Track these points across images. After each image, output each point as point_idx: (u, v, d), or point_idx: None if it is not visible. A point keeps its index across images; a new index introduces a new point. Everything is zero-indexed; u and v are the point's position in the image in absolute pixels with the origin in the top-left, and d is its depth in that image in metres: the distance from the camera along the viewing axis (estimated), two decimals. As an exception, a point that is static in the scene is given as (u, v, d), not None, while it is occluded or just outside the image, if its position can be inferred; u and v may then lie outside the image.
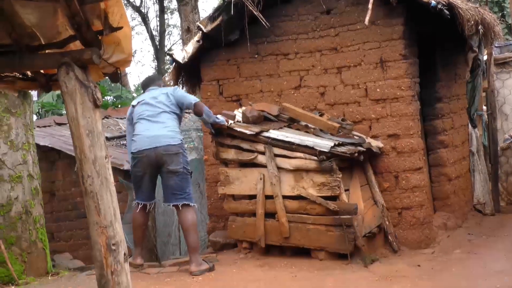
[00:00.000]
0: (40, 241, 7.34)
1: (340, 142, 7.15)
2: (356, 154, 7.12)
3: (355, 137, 7.51)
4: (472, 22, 7.85)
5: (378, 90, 7.73)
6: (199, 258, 6.82)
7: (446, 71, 9.03)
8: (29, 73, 3.97)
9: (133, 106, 7.21)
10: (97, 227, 3.25)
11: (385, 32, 7.70)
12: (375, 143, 7.60)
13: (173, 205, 6.97)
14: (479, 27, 8.26)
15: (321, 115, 7.79)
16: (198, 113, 7.15)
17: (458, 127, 9.28)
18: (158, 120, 6.94)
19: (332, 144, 6.96)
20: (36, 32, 3.41)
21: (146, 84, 7.47)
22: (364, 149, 7.30)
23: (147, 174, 6.92)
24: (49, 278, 7.20)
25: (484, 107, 10.98)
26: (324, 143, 7.00)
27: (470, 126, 9.74)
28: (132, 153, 6.95)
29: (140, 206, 7.00)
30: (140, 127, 6.97)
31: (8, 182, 7.10)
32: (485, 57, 10.25)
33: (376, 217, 7.45)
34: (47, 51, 3.50)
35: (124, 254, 3.31)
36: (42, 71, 3.84)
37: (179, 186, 6.87)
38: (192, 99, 7.13)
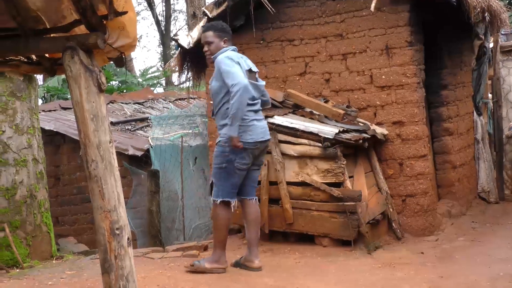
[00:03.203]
0: (45, 225, 7.37)
1: (345, 129, 7.14)
2: (361, 141, 7.12)
3: (359, 124, 7.51)
4: (479, 9, 7.81)
5: (383, 77, 7.72)
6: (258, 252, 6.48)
7: (451, 59, 9.01)
8: (34, 57, 3.97)
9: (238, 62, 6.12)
10: (101, 211, 3.26)
11: (390, 18, 7.67)
12: (380, 130, 7.59)
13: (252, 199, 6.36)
14: (486, 14, 8.21)
15: (326, 101, 7.79)
16: None
17: (463, 114, 9.26)
18: (261, 108, 6.37)
19: (337, 131, 6.96)
20: (41, 16, 3.40)
21: (230, 33, 6.41)
22: (369, 136, 7.30)
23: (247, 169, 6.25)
24: (54, 261, 7.23)
25: (490, 95, 10.95)
26: (329, 130, 7.00)
27: (475, 113, 9.72)
28: (248, 143, 6.05)
29: (232, 205, 6.18)
30: (253, 115, 6.13)
31: (13, 166, 7.12)
32: (491, 45, 10.21)
33: (380, 204, 7.46)
34: (52, 35, 3.50)
35: (128, 238, 3.32)
36: (47, 55, 3.85)
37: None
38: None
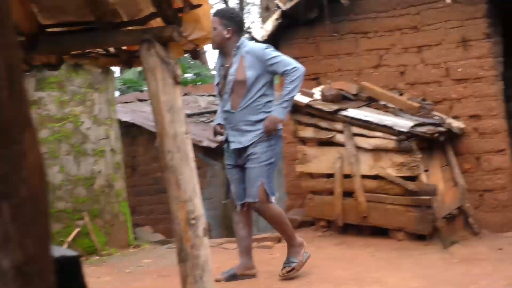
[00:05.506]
0: (122, 214, 7.53)
1: (420, 122, 7.05)
2: (436, 135, 7.01)
3: (435, 117, 7.40)
4: (562, -1, 7.58)
5: (459, 70, 7.58)
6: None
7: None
8: (111, 49, 4.06)
9: None
10: (177, 201, 3.30)
11: (467, 10, 7.52)
12: (456, 124, 7.46)
13: None
14: None
15: (401, 94, 7.70)
16: None
17: (544, 108, 9.02)
18: None
19: (412, 124, 6.87)
20: (118, 10, 3.48)
21: (239, 24, 5.94)
22: (444, 130, 7.18)
23: None
24: (131, 250, 7.39)
25: None
26: (404, 123, 6.92)
27: (557, 107, 9.45)
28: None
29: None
30: None
31: (92, 156, 7.29)
32: None
33: (456, 199, 7.33)
34: (129, 28, 3.58)
35: (204, 228, 3.35)
36: (124, 47, 3.93)
37: None
38: None
